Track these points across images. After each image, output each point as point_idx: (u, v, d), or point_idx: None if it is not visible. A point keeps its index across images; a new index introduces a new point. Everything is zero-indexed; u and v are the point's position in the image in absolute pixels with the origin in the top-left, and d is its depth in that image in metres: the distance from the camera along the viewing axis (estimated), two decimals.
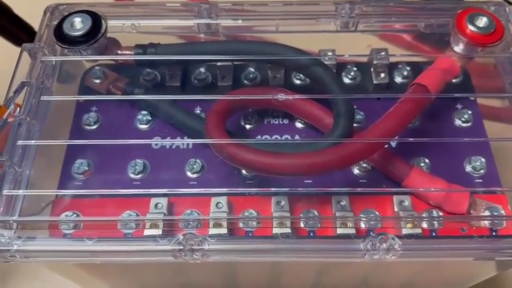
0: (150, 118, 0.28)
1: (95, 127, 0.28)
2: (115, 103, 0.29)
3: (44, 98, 0.25)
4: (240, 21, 0.28)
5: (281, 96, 0.25)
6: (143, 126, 0.28)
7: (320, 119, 0.26)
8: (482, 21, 0.26)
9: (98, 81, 0.29)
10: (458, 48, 0.26)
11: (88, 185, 0.26)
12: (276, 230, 0.23)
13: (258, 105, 0.27)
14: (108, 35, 0.28)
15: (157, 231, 0.23)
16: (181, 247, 0.21)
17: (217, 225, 0.24)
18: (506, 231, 0.24)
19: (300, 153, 0.23)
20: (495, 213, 0.25)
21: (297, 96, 0.25)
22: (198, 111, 0.28)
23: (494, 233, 0.24)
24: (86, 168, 0.27)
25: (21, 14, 0.37)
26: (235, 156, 0.23)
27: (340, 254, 0.22)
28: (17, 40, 0.38)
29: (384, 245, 0.22)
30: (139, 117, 0.28)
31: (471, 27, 0.25)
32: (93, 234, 0.23)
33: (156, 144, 0.27)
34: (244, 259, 0.22)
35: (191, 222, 0.24)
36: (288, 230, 0.24)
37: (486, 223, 0.24)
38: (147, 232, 0.23)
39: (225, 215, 0.24)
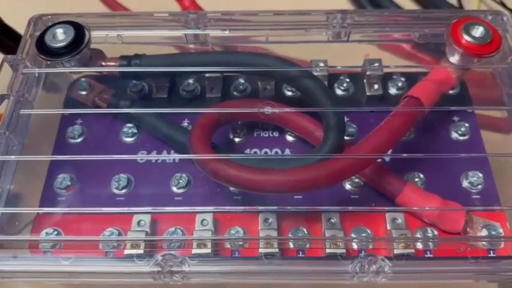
0: (135, 131, 0.27)
1: (79, 140, 0.27)
2: (100, 115, 0.28)
3: (23, 111, 0.25)
4: (227, 32, 0.27)
5: (267, 110, 0.24)
6: (129, 139, 0.27)
7: (310, 132, 0.25)
8: (478, 31, 0.25)
9: (83, 93, 0.28)
10: (454, 59, 0.25)
11: (70, 200, 0.26)
12: (262, 250, 0.22)
13: (245, 118, 0.26)
14: (96, 46, 0.27)
15: (139, 251, 0.22)
16: (160, 269, 0.20)
17: (201, 245, 0.23)
18: (504, 251, 0.23)
19: (286, 169, 0.22)
20: (493, 232, 0.23)
21: (283, 110, 0.25)
22: (186, 124, 0.28)
23: (492, 253, 0.23)
24: (69, 183, 0.26)
25: (13, 24, 0.37)
26: (217, 172, 0.22)
27: (328, 277, 0.21)
28: (7, 51, 0.37)
29: (373, 267, 0.20)
30: (125, 130, 0.27)
31: (467, 37, 0.24)
32: (73, 253, 0.22)
33: (142, 159, 0.27)
34: (227, 281, 0.21)
35: (174, 242, 0.23)
36: (275, 250, 0.23)
37: (483, 243, 0.23)
38: (128, 252, 0.23)
39: (210, 233, 0.23)
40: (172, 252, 0.21)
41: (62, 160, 0.26)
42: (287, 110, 0.25)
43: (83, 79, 0.29)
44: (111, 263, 0.22)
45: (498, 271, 0.22)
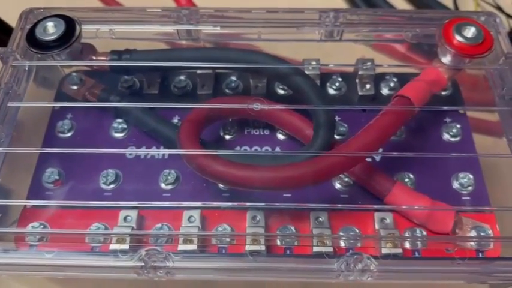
0: (125, 126, 0.27)
1: (68, 135, 0.27)
2: (90, 110, 0.28)
3: (11, 104, 0.25)
4: (218, 28, 0.27)
5: (256, 106, 0.23)
6: (118, 135, 0.27)
7: (300, 130, 0.25)
8: (470, 32, 0.24)
9: (74, 87, 0.28)
10: (446, 59, 0.25)
11: (58, 194, 0.25)
12: (249, 247, 0.22)
13: (234, 114, 0.26)
14: (88, 40, 0.27)
15: (124, 246, 0.22)
16: (143, 264, 0.20)
17: (188, 241, 0.22)
18: (493, 253, 0.23)
19: (273, 166, 0.22)
20: (482, 233, 0.23)
21: (273, 106, 0.24)
22: (176, 120, 0.27)
23: (481, 254, 0.23)
24: (57, 177, 0.26)
25: (8, 18, 0.37)
26: (204, 168, 0.22)
27: (314, 274, 0.21)
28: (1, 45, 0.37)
29: (359, 266, 0.20)
30: (115, 125, 0.27)
31: (458, 38, 0.24)
32: (59, 247, 0.22)
33: (131, 154, 0.26)
34: (211, 277, 0.21)
35: (161, 238, 0.22)
36: (262, 248, 0.22)
37: (472, 244, 0.22)
38: (113, 246, 0.22)
39: (197, 230, 0.23)
40: (156, 247, 0.21)
41: (50, 154, 0.26)
42: (276, 106, 0.24)
43: (74, 74, 0.29)
44: (95, 257, 0.21)
45: (487, 272, 0.21)
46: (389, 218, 0.24)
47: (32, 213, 0.25)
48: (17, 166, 0.26)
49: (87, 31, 0.27)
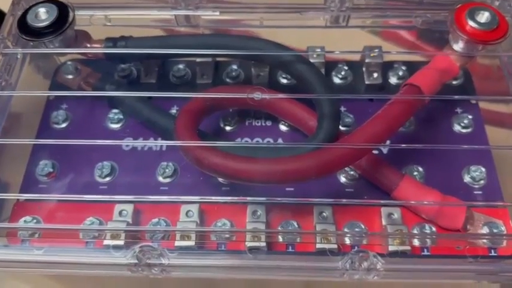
0: (121, 117, 0.26)
1: (63, 125, 0.26)
2: (86, 100, 0.27)
3: (1, 93, 0.24)
4: (217, 13, 0.26)
5: (257, 95, 0.22)
6: (114, 126, 0.26)
7: (303, 121, 0.24)
8: (483, 17, 0.23)
9: (70, 76, 0.27)
10: (458, 46, 0.24)
11: (52, 187, 0.24)
12: (249, 244, 0.21)
13: (234, 104, 0.25)
14: (82, 27, 0.26)
15: (119, 242, 0.21)
16: (137, 261, 0.19)
17: (185, 236, 0.21)
18: (507, 250, 0.22)
19: (274, 158, 0.21)
20: (495, 230, 0.22)
21: (275, 96, 0.23)
22: (175, 111, 0.26)
23: (493, 252, 0.22)
24: (51, 169, 0.25)
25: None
26: (201, 160, 0.21)
27: (317, 273, 0.20)
28: None
29: (365, 264, 0.19)
30: (111, 115, 0.26)
31: (471, 23, 0.23)
32: (52, 242, 0.21)
33: (127, 145, 0.25)
34: (209, 275, 0.20)
35: (157, 233, 0.22)
36: (263, 244, 0.21)
37: (484, 241, 0.21)
38: (107, 242, 0.21)
39: (194, 224, 0.22)
40: (151, 243, 0.20)
41: (44, 146, 0.25)
42: (278, 96, 0.23)
43: (70, 62, 0.28)
44: (87, 254, 0.20)
45: (500, 271, 0.20)
46: (396, 213, 0.22)
47: (25, 206, 0.24)
48: (10, 158, 0.25)
49: (81, 17, 0.26)
